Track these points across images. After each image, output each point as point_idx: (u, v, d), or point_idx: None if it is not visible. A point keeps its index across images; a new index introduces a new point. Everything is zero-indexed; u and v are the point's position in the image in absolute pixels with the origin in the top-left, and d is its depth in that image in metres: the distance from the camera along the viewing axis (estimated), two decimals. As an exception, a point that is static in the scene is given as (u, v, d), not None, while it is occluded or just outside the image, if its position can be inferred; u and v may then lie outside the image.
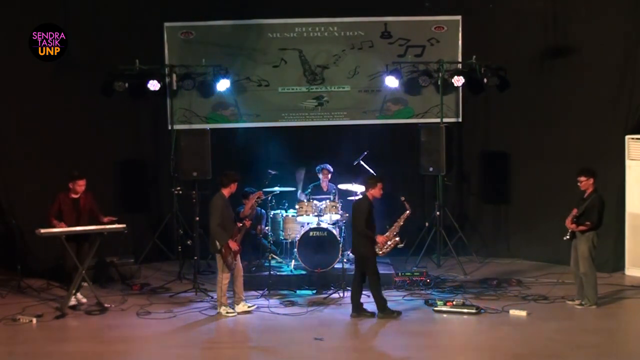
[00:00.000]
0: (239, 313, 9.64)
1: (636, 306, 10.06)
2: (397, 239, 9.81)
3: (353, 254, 9.74)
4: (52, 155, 11.74)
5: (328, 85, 12.91)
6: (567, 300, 9.93)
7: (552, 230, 10.99)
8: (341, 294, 10.30)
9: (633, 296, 10.35)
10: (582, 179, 9.69)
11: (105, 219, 10.16)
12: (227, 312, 9.61)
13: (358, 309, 9.45)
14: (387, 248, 9.75)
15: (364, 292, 10.36)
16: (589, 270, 9.61)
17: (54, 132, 11.85)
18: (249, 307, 9.73)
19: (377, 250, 9.55)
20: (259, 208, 11.41)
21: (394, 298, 10.29)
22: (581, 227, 9.55)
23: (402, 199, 10.03)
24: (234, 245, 9.52)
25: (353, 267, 11.21)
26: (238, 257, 9.72)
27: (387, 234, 9.84)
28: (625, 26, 11.51)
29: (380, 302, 9.40)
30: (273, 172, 11.25)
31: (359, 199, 9.96)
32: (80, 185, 10.14)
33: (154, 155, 12.75)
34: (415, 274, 10.84)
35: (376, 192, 9.48)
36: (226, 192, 9.69)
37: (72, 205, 10.14)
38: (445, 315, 9.56)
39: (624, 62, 11.53)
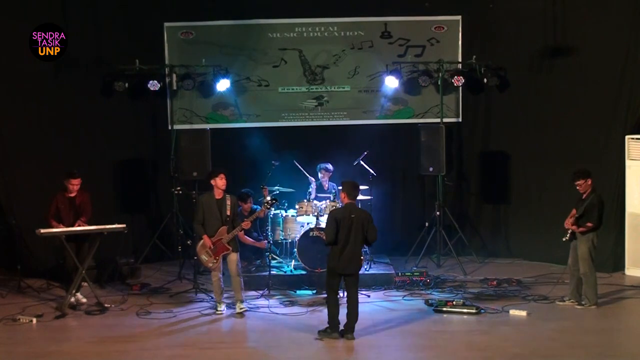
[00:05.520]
0: (237, 314, 9.64)
1: (636, 306, 10.06)
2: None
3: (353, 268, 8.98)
4: (52, 155, 11.75)
5: (328, 85, 12.91)
6: (558, 301, 9.93)
7: (551, 230, 10.99)
8: (341, 294, 10.28)
9: (633, 296, 10.36)
10: (580, 182, 9.67)
11: (78, 222, 10.07)
12: (216, 311, 9.68)
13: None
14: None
15: (363, 293, 10.41)
16: (588, 271, 9.61)
17: (54, 132, 11.86)
18: (240, 309, 9.65)
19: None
20: (254, 206, 11.45)
21: (394, 298, 10.31)
22: (582, 229, 9.55)
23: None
24: (207, 242, 9.53)
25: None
26: (233, 258, 9.64)
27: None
28: (625, 26, 11.50)
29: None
30: (276, 163, 11.24)
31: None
32: (74, 184, 10.12)
33: (154, 155, 12.75)
34: (415, 274, 10.84)
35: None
36: (214, 190, 9.68)
37: (69, 204, 10.14)
38: (445, 315, 9.56)
39: (624, 62, 11.53)
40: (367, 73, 12.86)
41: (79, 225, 10.02)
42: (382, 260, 11.73)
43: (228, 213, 9.70)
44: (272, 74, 12.85)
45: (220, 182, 9.70)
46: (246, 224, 9.86)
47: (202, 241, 9.63)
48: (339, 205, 11.17)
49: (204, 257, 9.63)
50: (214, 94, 12.62)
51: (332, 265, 8.78)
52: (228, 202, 9.72)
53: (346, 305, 8.81)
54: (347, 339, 8.67)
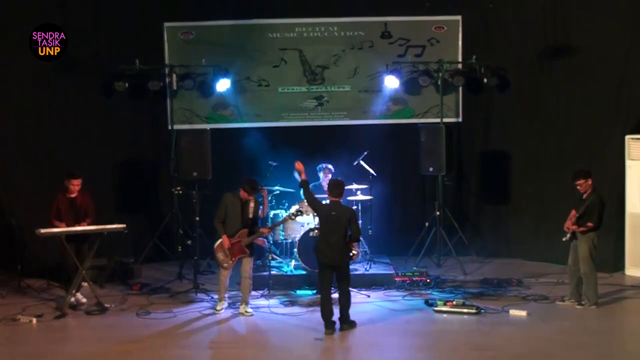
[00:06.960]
0: (239, 313, 9.64)
1: (636, 306, 10.06)
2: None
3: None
4: (52, 155, 11.75)
5: (328, 85, 12.91)
6: (558, 301, 9.93)
7: (551, 230, 10.99)
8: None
9: (633, 296, 10.36)
10: (581, 182, 9.66)
11: (82, 223, 10.06)
12: (216, 310, 9.68)
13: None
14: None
15: (363, 293, 10.43)
16: (589, 271, 9.61)
17: (54, 132, 11.86)
18: (246, 311, 9.66)
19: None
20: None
21: (394, 298, 10.31)
22: (582, 229, 9.55)
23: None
24: (226, 242, 9.53)
25: (352, 267, 11.26)
26: (248, 259, 9.67)
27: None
28: (625, 26, 11.50)
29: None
30: (274, 164, 11.23)
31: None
32: (75, 184, 10.11)
33: (154, 155, 12.75)
34: (415, 274, 10.83)
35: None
36: (241, 192, 9.60)
37: (70, 204, 10.13)
38: (445, 315, 9.56)
39: (624, 62, 11.53)
40: (367, 73, 12.85)
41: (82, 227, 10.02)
42: (382, 260, 11.72)
43: (250, 216, 9.69)
44: (272, 74, 12.85)
45: (243, 193, 9.59)
46: (267, 231, 9.90)
47: (220, 240, 9.62)
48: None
49: (220, 256, 9.62)
50: (214, 94, 12.62)
51: (317, 256, 8.93)
52: (252, 205, 9.69)
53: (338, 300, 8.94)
54: (343, 330, 8.77)
